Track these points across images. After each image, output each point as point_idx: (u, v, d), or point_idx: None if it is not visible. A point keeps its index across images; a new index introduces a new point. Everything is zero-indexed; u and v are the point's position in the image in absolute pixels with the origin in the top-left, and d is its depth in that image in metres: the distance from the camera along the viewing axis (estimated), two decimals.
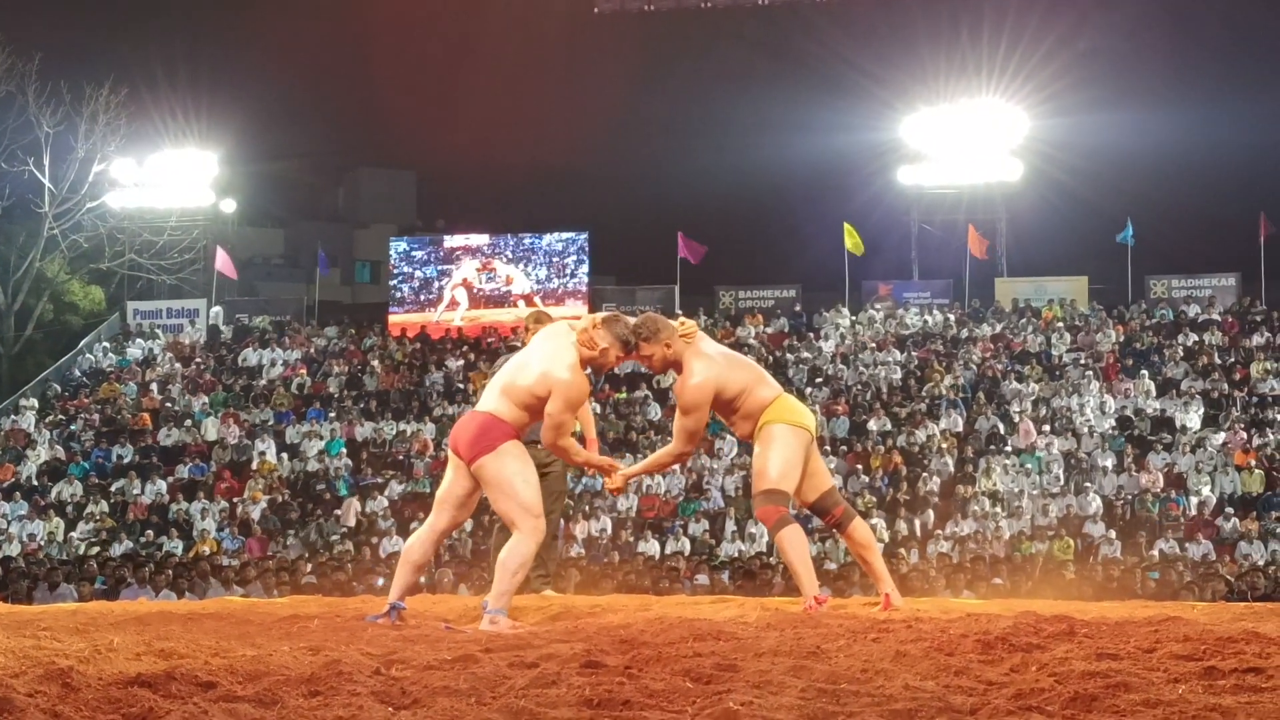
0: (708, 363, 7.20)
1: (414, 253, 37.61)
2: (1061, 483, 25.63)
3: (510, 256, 36.91)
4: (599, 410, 26.62)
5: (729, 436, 27.06)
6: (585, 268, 36.48)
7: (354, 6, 55.19)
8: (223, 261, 37.57)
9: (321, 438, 28.72)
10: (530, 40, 49.24)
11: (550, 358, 6.92)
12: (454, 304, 36.64)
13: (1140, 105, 41.33)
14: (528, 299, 35.88)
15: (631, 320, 7.13)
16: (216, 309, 37.11)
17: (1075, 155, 38.32)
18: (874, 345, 31.75)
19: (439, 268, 37.03)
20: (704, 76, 52.44)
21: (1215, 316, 32.01)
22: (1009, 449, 26.68)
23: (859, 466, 25.85)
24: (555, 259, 36.67)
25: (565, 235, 36.94)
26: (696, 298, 35.97)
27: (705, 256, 36.51)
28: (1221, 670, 4.38)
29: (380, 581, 16.51)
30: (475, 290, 36.61)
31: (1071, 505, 24.76)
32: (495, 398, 6.97)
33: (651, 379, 29.83)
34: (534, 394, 6.85)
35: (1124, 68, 43.80)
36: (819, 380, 29.74)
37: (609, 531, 24.32)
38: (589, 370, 6.93)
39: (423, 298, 36.95)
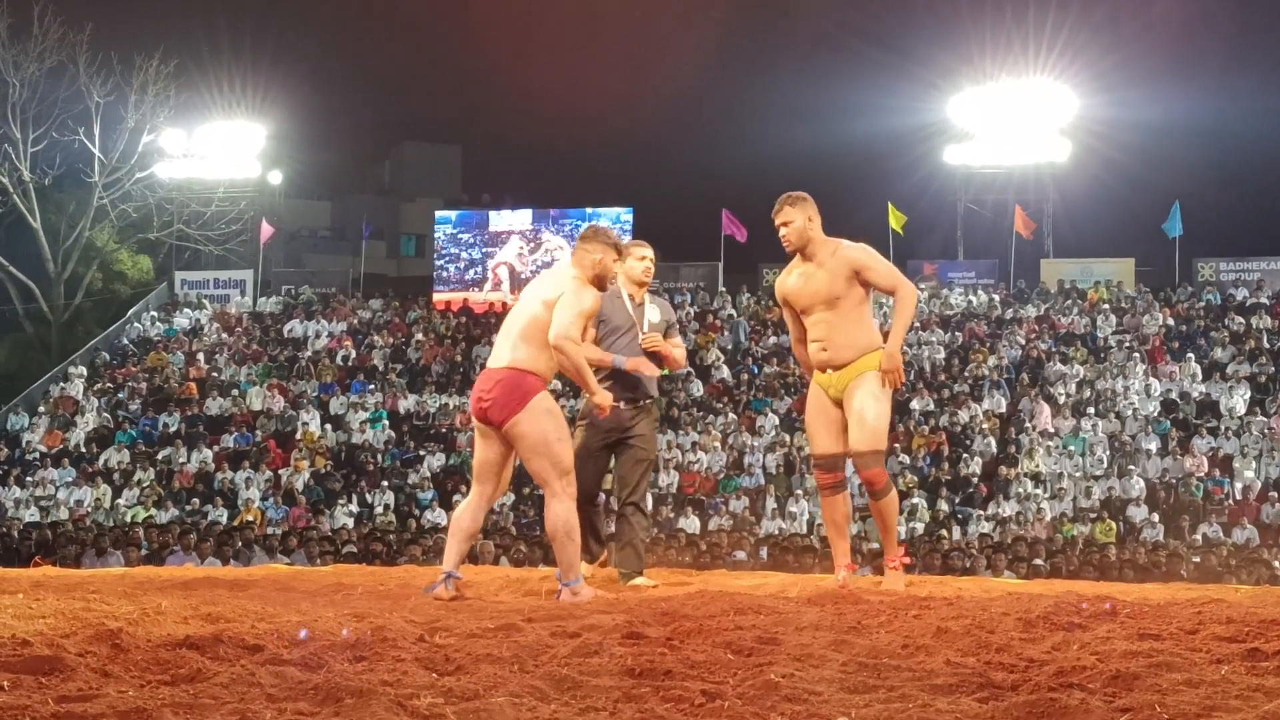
0: None
1: (460, 235, 37.64)
2: (1105, 465, 25.51)
3: (551, 243, 36.87)
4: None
5: (770, 413, 27.04)
6: None
7: None
8: (263, 232, 37.81)
9: (365, 409, 28.89)
10: (577, 17, 49.24)
11: (551, 286, 6.95)
12: (497, 283, 36.74)
13: (1191, 85, 40.98)
14: None
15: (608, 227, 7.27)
16: (248, 296, 37.10)
17: (1125, 135, 38.05)
18: (918, 325, 31.63)
19: (484, 250, 37.12)
20: (752, 56, 52.32)
21: (1264, 300, 31.72)
22: (1051, 430, 26.56)
23: (896, 445, 25.77)
24: None
25: (611, 212, 36.88)
26: (740, 275, 35.88)
27: (750, 234, 36.40)
28: (1265, 652, 4.36)
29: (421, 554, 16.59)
30: (517, 272, 36.66)
31: (1114, 488, 24.65)
32: (512, 347, 6.90)
33: (694, 356, 29.82)
34: (544, 319, 6.83)
35: (1174, 47, 43.47)
36: None
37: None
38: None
39: (468, 277, 37.03)
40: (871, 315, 7.37)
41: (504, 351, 6.93)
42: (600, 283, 7.04)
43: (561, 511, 6.83)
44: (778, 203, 7.34)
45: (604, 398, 7.08)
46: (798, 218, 7.28)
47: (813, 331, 7.35)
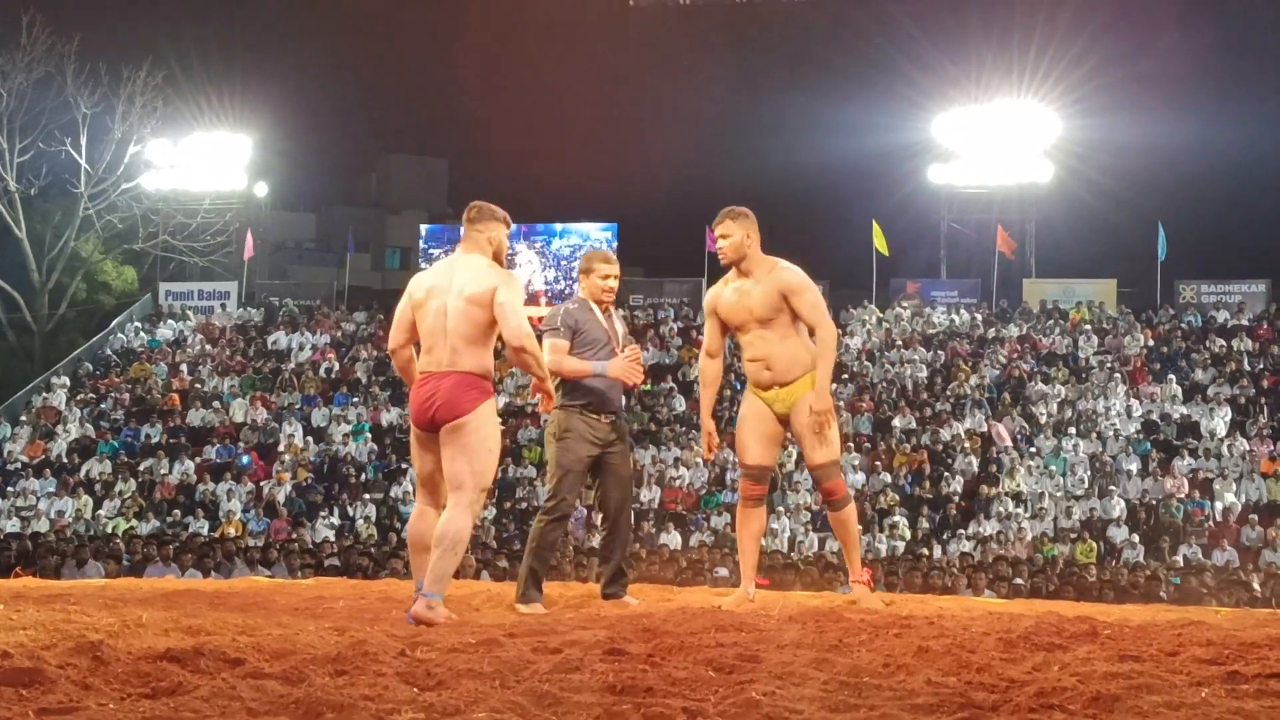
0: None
1: (433, 251, 37.56)
2: (1085, 485, 25.56)
3: (524, 257, 36.73)
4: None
5: None
6: None
7: None
8: (247, 245, 37.72)
9: (348, 422, 28.84)
10: (565, 32, 49.31)
11: (471, 280, 6.78)
12: None
13: (1173, 108, 41.15)
14: (535, 297, 35.84)
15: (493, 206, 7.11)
16: (233, 308, 36.93)
17: (1107, 157, 38.16)
18: (901, 343, 31.70)
19: None
20: (737, 72, 52.43)
21: (1244, 322, 31.86)
22: (1033, 450, 26.62)
23: (878, 464, 25.80)
24: (563, 262, 36.53)
25: (595, 227, 36.83)
26: None
27: None
28: (1245, 675, 4.38)
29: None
30: None
31: (1095, 508, 24.71)
32: (453, 352, 6.70)
33: (677, 371, 29.85)
34: (480, 319, 6.69)
35: (1157, 71, 43.62)
36: (844, 377, 29.68)
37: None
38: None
39: None
40: (806, 333, 7.29)
41: (445, 356, 6.72)
42: (500, 259, 7.00)
43: (461, 521, 6.56)
44: (719, 214, 7.33)
45: (549, 388, 7.08)
46: (736, 232, 7.27)
47: (750, 350, 7.33)
